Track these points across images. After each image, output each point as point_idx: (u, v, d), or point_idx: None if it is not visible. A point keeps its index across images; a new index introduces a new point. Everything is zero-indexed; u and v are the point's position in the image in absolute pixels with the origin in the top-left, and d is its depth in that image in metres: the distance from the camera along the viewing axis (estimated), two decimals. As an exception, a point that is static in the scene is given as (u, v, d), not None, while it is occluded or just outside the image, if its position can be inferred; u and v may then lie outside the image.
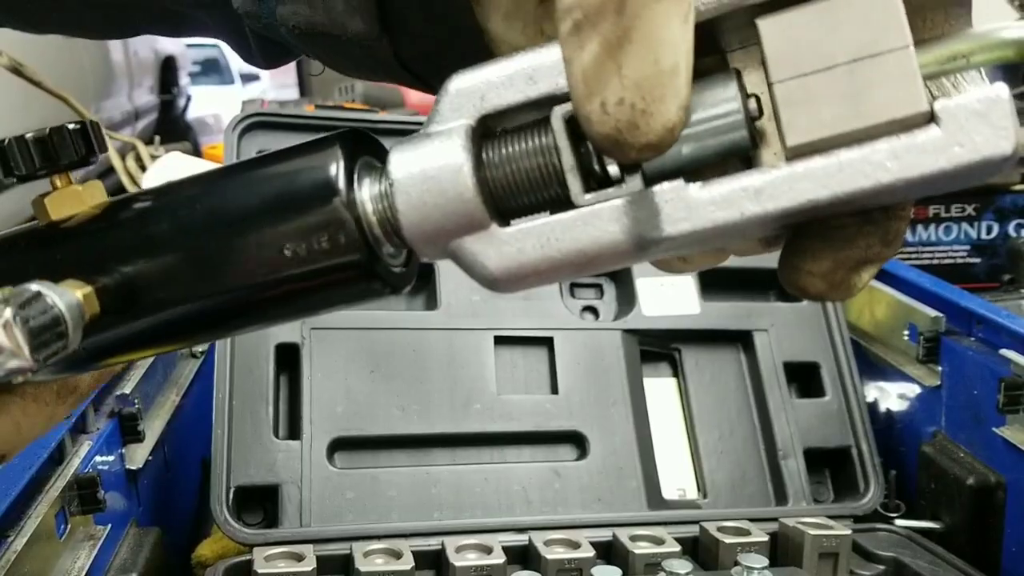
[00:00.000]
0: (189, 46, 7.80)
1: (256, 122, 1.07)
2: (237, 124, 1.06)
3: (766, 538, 0.97)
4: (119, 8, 0.58)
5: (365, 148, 0.40)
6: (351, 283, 0.40)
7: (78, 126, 0.41)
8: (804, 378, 1.17)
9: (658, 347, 1.16)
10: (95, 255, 0.41)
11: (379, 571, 0.88)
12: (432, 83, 0.48)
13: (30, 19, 0.62)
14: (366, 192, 0.38)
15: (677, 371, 1.15)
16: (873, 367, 1.23)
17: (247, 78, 10.52)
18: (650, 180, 0.36)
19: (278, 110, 1.52)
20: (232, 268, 0.40)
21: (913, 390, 1.17)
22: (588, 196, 0.37)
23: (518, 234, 0.37)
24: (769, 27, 0.34)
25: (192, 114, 7.36)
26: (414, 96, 2.75)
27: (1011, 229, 1.50)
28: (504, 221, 0.38)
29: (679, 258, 0.44)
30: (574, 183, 0.37)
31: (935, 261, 1.51)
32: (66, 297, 0.38)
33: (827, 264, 0.37)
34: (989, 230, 1.50)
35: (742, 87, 0.35)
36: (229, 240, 0.39)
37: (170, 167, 2.02)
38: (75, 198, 0.42)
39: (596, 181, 0.37)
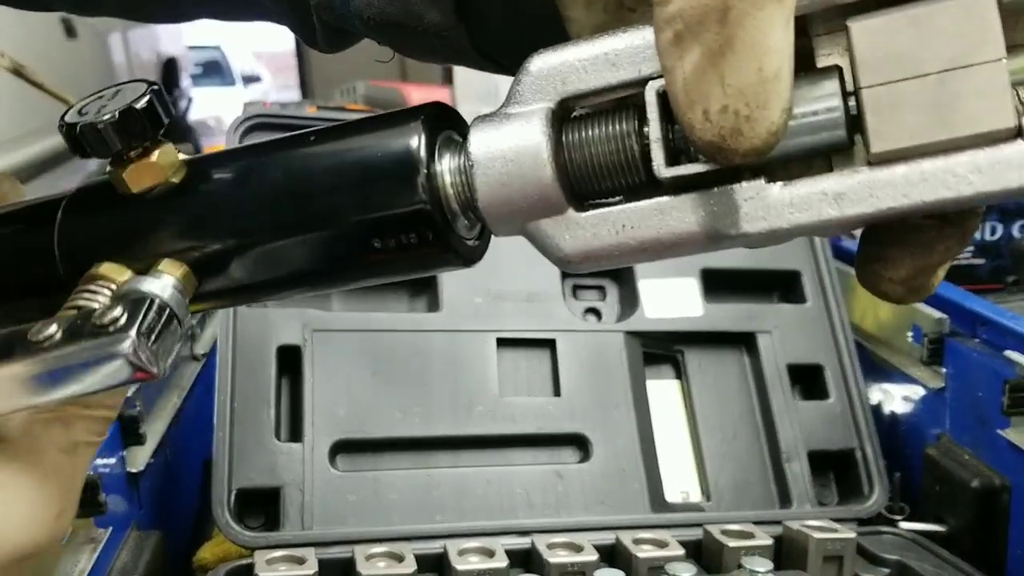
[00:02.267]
0: (191, 48, 7.79)
1: (258, 123, 1.06)
2: (239, 126, 1.06)
3: (770, 541, 0.97)
4: None
5: (446, 122, 0.41)
6: (427, 254, 0.40)
7: (146, 104, 0.41)
8: (808, 380, 1.16)
9: (661, 349, 1.15)
10: (185, 232, 0.42)
11: (381, 574, 0.87)
12: (511, 68, 0.48)
13: (86, 1, 0.61)
14: (445, 166, 0.39)
15: (680, 373, 1.15)
16: (877, 369, 1.23)
17: (249, 80, 10.53)
18: (736, 169, 0.36)
19: (280, 111, 1.52)
20: (315, 238, 0.41)
21: (917, 392, 1.17)
22: (671, 170, 0.36)
23: (594, 219, 0.37)
24: (861, 30, 0.34)
25: (194, 116, 7.37)
26: (416, 97, 2.75)
27: (1015, 231, 1.49)
28: (579, 204, 0.38)
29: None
30: (658, 155, 0.36)
31: (939, 262, 1.50)
32: (170, 290, 0.40)
33: (907, 271, 0.37)
34: (993, 231, 1.49)
35: (843, 85, 0.35)
36: (313, 211, 0.40)
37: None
38: (152, 169, 0.42)
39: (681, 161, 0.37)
